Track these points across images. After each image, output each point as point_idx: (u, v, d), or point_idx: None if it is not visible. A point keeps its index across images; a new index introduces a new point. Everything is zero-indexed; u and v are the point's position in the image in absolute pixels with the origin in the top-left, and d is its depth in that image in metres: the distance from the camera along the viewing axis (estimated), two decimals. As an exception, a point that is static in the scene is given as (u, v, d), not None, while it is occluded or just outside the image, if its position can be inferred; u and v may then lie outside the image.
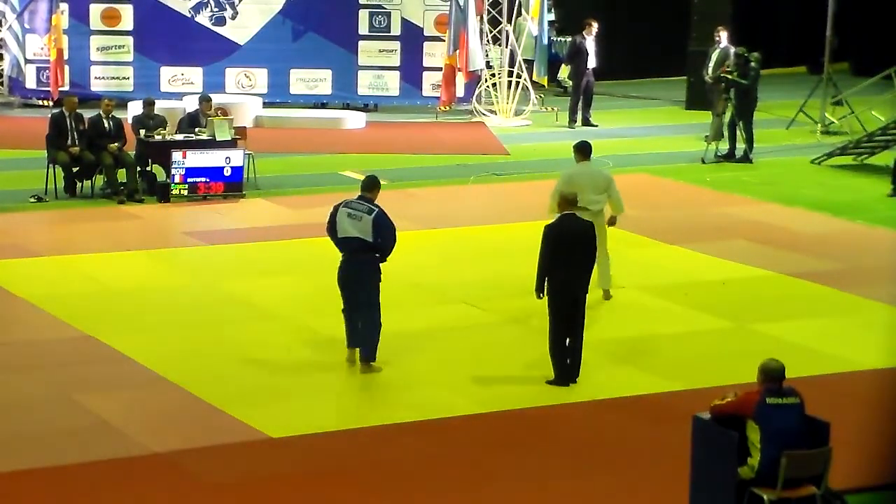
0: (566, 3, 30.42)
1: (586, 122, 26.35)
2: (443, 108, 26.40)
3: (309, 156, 23.26)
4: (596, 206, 14.61)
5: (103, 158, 19.57)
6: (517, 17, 27.06)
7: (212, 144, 20.00)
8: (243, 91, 26.35)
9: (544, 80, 27.11)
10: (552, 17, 29.67)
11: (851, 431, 10.93)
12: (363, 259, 13.08)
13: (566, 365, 12.80)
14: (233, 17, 26.46)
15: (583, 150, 14.93)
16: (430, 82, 26.66)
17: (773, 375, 9.74)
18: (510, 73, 26.61)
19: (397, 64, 26.71)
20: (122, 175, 19.71)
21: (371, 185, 13.25)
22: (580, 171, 14.84)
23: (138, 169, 19.86)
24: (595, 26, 26.24)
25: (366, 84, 26.79)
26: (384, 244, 12.98)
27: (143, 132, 20.08)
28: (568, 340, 12.82)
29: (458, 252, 17.25)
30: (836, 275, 16.50)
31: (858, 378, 13.17)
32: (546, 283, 12.69)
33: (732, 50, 24.25)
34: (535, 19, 26.48)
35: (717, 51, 25.22)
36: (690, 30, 28.36)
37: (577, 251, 12.73)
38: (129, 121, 21.51)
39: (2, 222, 18.30)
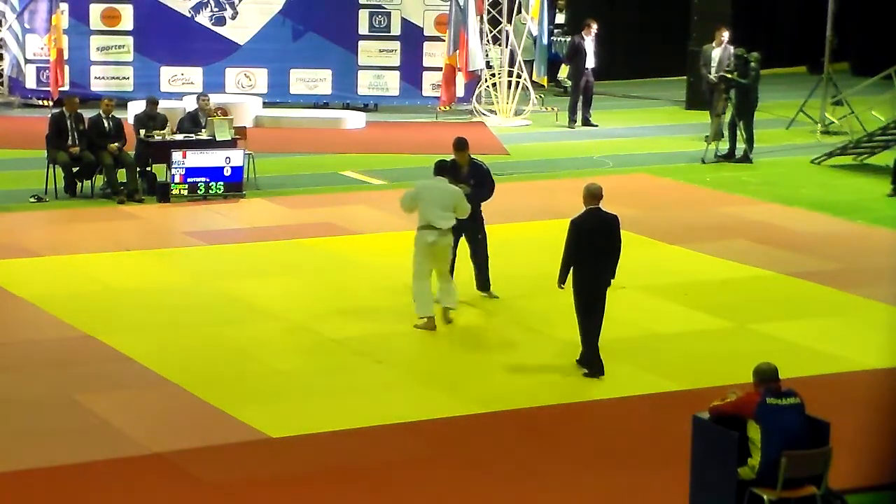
0: (574, 3, 30.41)
1: (586, 122, 26.36)
2: (443, 108, 26.39)
3: (309, 156, 23.26)
4: (445, 224, 14.14)
5: (103, 158, 19.56)
6: (517, 16, 27.06)
7: (212, 144, 20.00)
8: (243, 91, 26.35)
9: (544, 80, 27.11)
10: (561, 19, 29.68)
11: (851, 431, 10.94)
12: None
13: (598, 353, 13.06)
14: (233, 17, 26.46)
15: (438, 167, 14.47)
16: (430, 82, 26.65)
17: (769, 376, 9.75)
18: (510, 73, 26.62)
19: (397, 64, 26.71)
20: (122, 175, 19.71)
21: (457, 146, 15.08)
22: (434, 187, 14.35)
23: (138, 169, 19.86)
24: (594, 26, 26.23)
25: (366, 84, 26.78)
26: None
27: (142, 132, 20.09)
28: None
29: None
30: (836, 275, 16.50)
31: (858, 378, 13.17)
32: (572, 275, 12.98)
33: (732, 50, 24.25)
34: (535, 19, 26.47)
35: (720, 50, 25.15)
36: (690, 30, 28.37)
37: (601, 243, 12.98)
38: (130, 120, 21.49)
39: (2, 222, 18.30)
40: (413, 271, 14.26)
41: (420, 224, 14.21)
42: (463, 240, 15.12)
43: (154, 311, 14.80)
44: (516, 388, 12.80)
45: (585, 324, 13.09)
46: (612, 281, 13.15)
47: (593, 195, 13.07)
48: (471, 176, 14.97)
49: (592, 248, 12.93)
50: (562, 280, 13.05)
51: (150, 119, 20.39)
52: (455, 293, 14.54)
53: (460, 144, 15.11)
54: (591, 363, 13.08)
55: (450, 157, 14.95)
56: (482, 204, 15.14)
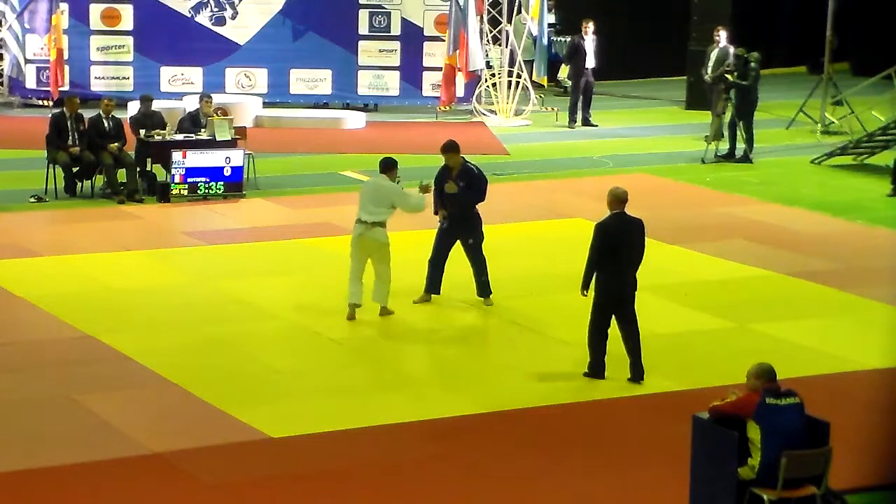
0: (567, 4, 30.41)
1: (586, 122, 26.37)
2: (443, 108, 26.40)
3: (309, 156, 23.26)
4: (370, 217, 14.40)
5: (103, 158, 19.57)
6: (517, 16, 27.07)
7: (212, 144, 20.00)
8: (243, 91, 26.36)
9: (544, 80, 27.12)
10: (552, 19, 29.67)
11: (851, 431, 10.94)
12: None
13: (603, 358, 12.90)
14: (233, 17, 26.47)
15: (380, 165, 14.76)
16: (430, 82, 26.66)
17: (769, 376, 9.74)
18: (510, 73, 26.62)
19: (397, 64, 26.72)
20: (122, 175, 19.72)
21: (443, 149, 15.03)
22: (371, 183, 14.94)
23: (138, 169, 19.87)
24: (591, 26, 26.22)
25: (366, 84, 26.79)
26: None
27: (142, 132, 20.09)
28: (623, 340, 12.91)
29: (457, 252, 17.23)
30: (836, 275, 16.50)
31: (858, 378, 13.17)
32: (594, 281, 12.81)
33: (732, 50, 24.26)
34: (535, 19, 26.48)
35: (717, 50, 25.24)
36: (690, 30, 28.37)
37: (625, 248, 12.85)
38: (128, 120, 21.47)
39: (2, 222, 18.30)
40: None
41: (356, 218, 14.61)
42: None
43: (154, 310, 14.80)
44: (516, 389, 12.79)
45: (598, 332, 12.88)
46: (635, 285, 13.00)
47: (619, 199, 12.93)
48: (460, 178, 14.98)
49: (617, 253, 12.79)
50: (585, 286, 12.83)
51: (147, 118, 20.40)
52: (384, 291, 14.61)
53: (446, 147, 15.11)
54: (598, 371, 13.00)
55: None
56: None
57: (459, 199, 14.91)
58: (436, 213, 15.17)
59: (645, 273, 16.01)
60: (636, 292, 13.06)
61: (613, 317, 12.96)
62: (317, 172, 21.90)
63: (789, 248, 17.76)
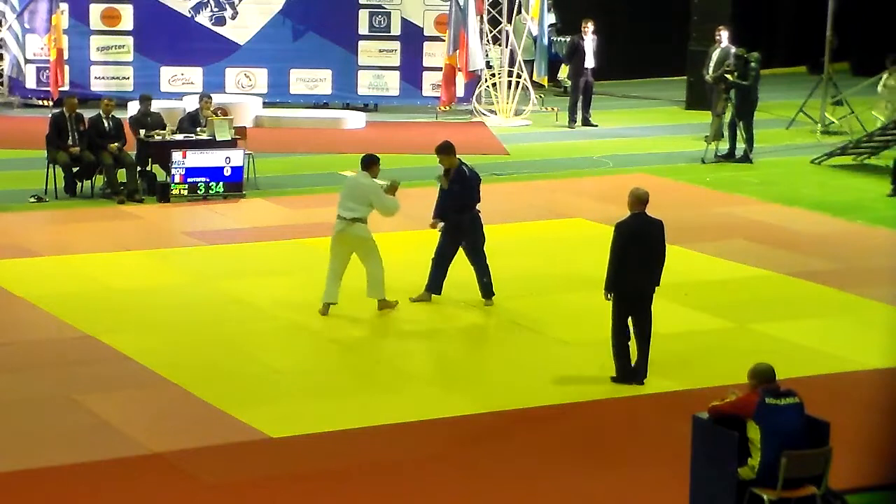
0: (567, 4, 30.41)
1: (586, 122, 26.37)
2: (443, 108, 26.40)
3: (309, 156, 23.27)
4: (349, 214, 14.55)
5: (103, 158, 19.57)
6: (517, 16, 27.07)
7: (212, 144, 20.01)
8: (243, 91, 26.36)
9: (544, 80, 27.12)
10: (553, 19, 29.71)
11: (851, 431, 10.94)
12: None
13: (629, 362, 12.82)
14: (233, 17, 26.47)
15: (361, 161, 14.93)
16: (430, 82, 26.67)
17: (768, 376, 9.74)
18: (510, 73, 26.62)
19: (397, 64, 26.72)
20: (122, 175, 19.72)
21: (436, 151, 15.05)
22: (351, 179, 15.07)
23: (138, 169, 19.87)
24: (591, 26, 26.22)
25: (366, 84, 26.80)
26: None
27: (142, 132, 20.09)
28: (635, 339, 12.87)
29: (459, 252, 17.24)
30: (836, 275, 16.50)
31: (858, 378, 13.17)
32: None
33: (732, 50, 24.26)
34: (535, 19, 26.48)
35: (718, 50, 25.23)
36: (690, 30, 28.37)
37: (645, 248, 12.77)
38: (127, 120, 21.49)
39: (2, 222, 18.31)
40: None
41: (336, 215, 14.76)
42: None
43: (154, 310, 14.80)
44: (516, 388, 12.79)
45: (620, 334, 12.79)
46: (655, 288, 12.89)
47: (640, 200, 12.90)
48: (454, 180, 14.98)
49: (637, 253, 12.72)
50: (608, 288, 12.71)
51: (146, 117, 20.40)
52: (377, 285, 14.60)
53: (441, 149, 15.12)
54: (626, 375, 12.84)
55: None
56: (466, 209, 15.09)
57: (451, 199, 14.89)
58: (434, 219, 15.13)
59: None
60: (653, 294, 12.92)
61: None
62: (317, 172, 21.89)
63: (789, 248, 17.76)
